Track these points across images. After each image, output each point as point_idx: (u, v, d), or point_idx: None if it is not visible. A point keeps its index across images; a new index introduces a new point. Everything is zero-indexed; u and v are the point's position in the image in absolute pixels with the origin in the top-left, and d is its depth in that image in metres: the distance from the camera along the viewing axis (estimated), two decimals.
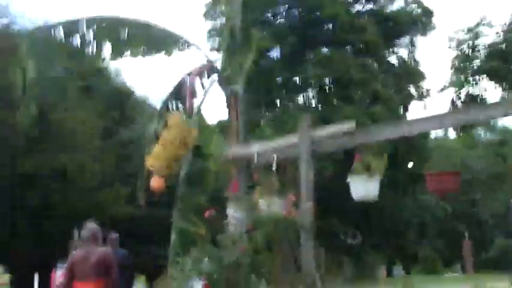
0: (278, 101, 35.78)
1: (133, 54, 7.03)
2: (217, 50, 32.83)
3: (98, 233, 7.21)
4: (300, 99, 35.88)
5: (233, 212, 6.56)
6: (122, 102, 32.54)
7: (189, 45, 7.50)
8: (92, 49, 7.06)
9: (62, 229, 20.98)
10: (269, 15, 36.47)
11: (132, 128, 30.54)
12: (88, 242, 7.12)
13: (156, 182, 6.89)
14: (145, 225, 27.42)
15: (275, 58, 35.68)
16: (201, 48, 7.60)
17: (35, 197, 25.83)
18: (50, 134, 27.11)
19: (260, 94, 31.97)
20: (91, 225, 7.24)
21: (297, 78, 35.23)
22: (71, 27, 6.99)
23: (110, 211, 26.95)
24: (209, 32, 36.53)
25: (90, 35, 7.03)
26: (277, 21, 37.02)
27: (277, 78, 35.46)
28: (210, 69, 7.46)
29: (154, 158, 6.74)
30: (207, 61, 7.56)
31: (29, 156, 25.72)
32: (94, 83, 31.01)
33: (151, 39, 7.23)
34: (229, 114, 7.34)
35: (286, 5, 36.67)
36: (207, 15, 36.71)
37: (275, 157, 6.70)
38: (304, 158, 6.57)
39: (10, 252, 23.44)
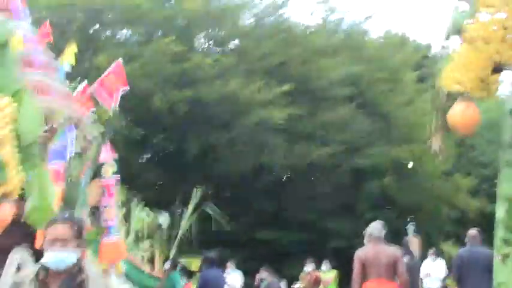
0: None
1: None
2: None
3: (383, 231, 7.27)
4: None
5: None
6: None
7: None
8: None
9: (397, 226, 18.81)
10: None
11: None
12: (378, 240, 7.10)
13: (461, 112, 3.77)
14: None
15: None
16: None
17: (374, 189, 24.63)
18: (385, 127, 25.62)
19: None
20: (379, 224, 7.31)
21: None
22: None
23: (456, 204, 24.57)
24: None
25: None
26: None
27: None
28: None
29: (457, 69, 3.65)
30: None
31: (363, 151, 24.54)
32: (427, 72, 28.41)
33: None
34: None
35: None
36: None
37: None
38: None
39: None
